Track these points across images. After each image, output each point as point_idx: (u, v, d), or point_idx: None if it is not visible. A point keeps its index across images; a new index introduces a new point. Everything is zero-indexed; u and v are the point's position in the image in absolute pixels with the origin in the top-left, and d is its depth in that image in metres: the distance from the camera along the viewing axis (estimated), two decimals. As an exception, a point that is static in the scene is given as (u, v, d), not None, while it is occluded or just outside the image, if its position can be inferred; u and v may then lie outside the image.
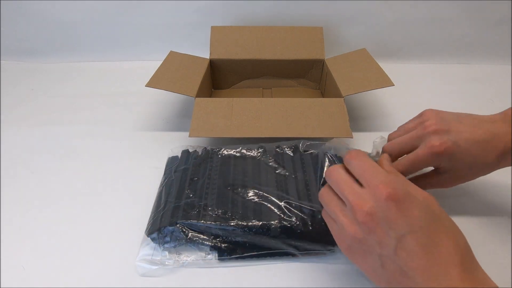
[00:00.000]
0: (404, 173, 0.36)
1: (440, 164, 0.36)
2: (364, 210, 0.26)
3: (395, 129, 0.41)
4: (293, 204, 0.37)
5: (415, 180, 0.39)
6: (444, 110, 0.37)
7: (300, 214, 0.36)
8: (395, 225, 0.25)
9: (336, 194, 0.30)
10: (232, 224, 0.35)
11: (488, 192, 0.45)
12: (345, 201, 0.28)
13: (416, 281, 0.24)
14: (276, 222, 0.35)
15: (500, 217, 0.42)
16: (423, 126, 0.35)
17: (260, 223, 0.35)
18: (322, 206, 0.36)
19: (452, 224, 0.27)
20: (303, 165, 0.43)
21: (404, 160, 0.36)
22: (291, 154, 0.45)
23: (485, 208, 0.43)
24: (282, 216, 0.36)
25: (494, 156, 0.34)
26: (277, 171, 0.42)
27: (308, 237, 0.36)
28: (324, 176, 0.31)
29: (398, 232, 0.25)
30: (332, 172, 0.30)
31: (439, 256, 0.25)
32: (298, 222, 0.35)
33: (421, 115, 0.38)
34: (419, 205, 0.26)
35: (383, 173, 0.27)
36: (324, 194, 0.31)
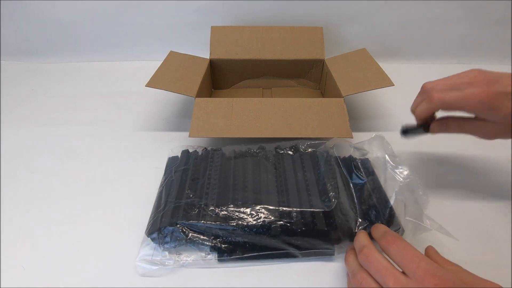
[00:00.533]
0: (446, 105, 0.35)
1: (483, 114, 0.35)
2: None
3: (395, 129, 0.41)
4: (294, 204, 0.37)
5: (453, 121, 0.37)
6: None
7: (300, 213, 0.36)
8: None
9: (372, 277, 0.29)
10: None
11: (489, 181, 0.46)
12: None
13: None
14: (276, 219, 0.35)
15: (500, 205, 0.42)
16: (471, 76, 0.34)
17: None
18: (323, 208, 0.36)
19: None
20: (303, 164, 0.43)
21: (451, 93, 0.35)
22: (291, 154, 0.45)
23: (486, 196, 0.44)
24: (283, 215, 0.36)
25: None
26: (277, 171, 0.42)
27: (309, 236, 0.36)
28: (359, 259, 0.30)
29: None
30: (371, 258, 0.29)
31: None
32: (298, 221, 0.35)
33: (461, 73, 0.36)
34: None
35: (426, 261, 0.27)
36: (361, 278, 0.29)
